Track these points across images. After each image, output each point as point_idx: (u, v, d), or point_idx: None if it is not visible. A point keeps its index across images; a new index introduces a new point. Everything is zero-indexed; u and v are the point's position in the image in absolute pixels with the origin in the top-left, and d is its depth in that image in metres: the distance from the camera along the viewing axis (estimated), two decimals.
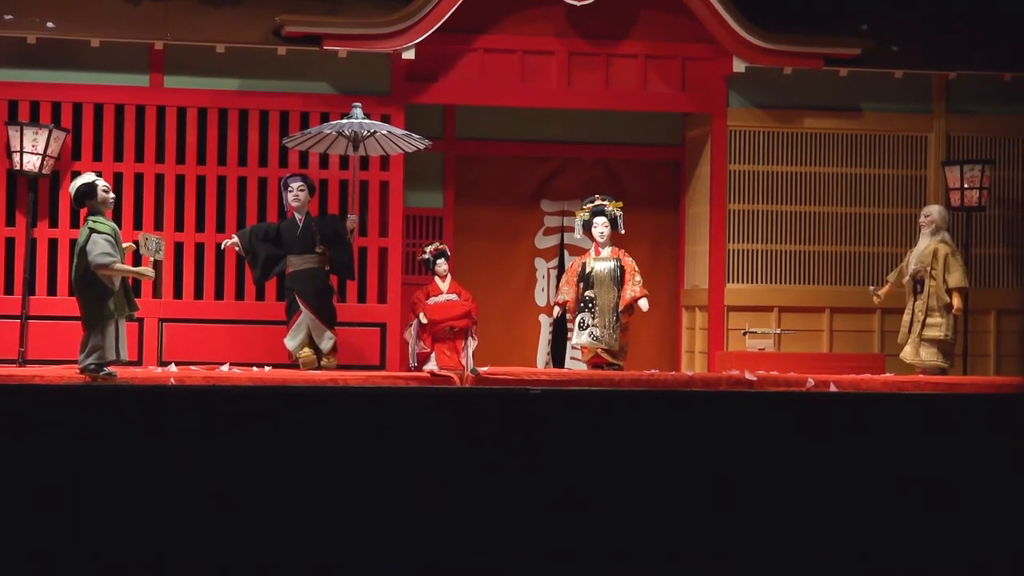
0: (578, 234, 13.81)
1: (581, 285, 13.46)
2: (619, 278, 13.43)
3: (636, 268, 13.53)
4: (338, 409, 5.37)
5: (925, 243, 13.63)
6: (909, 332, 13.57)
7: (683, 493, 5.43)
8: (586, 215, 13.64)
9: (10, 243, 13.45)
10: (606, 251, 13.53)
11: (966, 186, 14.39)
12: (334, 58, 13.78)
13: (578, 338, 13.47)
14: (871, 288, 13.91)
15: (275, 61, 13.76)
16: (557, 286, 14.51)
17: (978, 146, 14.92)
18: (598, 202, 13.62)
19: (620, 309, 13.42)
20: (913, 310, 13.56)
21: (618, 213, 13.57)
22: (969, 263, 14.14)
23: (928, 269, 13.48)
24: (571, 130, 15.04)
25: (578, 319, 13.44)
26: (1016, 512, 5.52)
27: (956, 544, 5.54)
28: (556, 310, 13.73)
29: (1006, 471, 5.60)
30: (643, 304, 13.45)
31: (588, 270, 13.47)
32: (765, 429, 5.63)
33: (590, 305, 13.40)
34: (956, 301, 13.45)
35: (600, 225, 13.52)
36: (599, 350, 13.39)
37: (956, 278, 13.46)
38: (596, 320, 13.38)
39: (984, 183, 14.38)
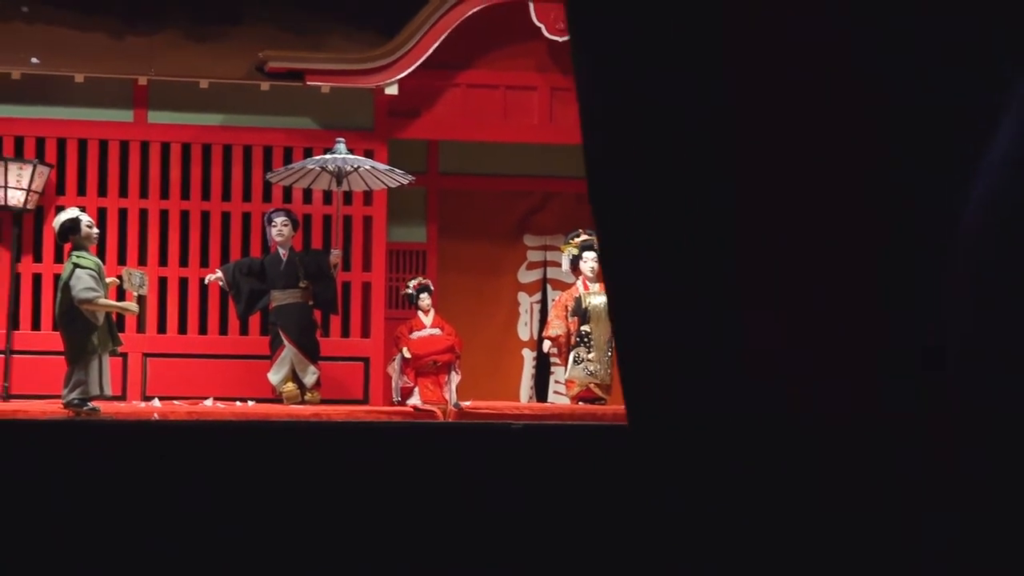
0: (565, 268, 13.75)
1: (575, 320, 13.37)
2: None
3: None
4: (321, 444, 5.40)
5: None
6: None
7: (650, 529, 5.45)
8: (575, 250, 13.53)
9: None
10: (595, 286, 13.46)
11: None
12: (317, 93, 13.81)
13: (571, 372, 13.36)
14: None
15: (259, 96, 13.79)
16: (542, 320, 14.48)
17: None
18: (584, 237, 13.53)
19: (614, 344, 13.35)
20: None
21: None
22: None
23: None
24: (552, 165, 15.05)
25: (573, 354, 13.32)
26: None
27: None
28: (546, 344, 13.57)
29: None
30: None
31: (585, 305, 13.36)
32: None
33: (586, 340, 13.31)
34: None
35: (590, 260, 13.39)
36: (591, 384, 13.32)
37: None
38: (592, 355, 13.31)
39: None
